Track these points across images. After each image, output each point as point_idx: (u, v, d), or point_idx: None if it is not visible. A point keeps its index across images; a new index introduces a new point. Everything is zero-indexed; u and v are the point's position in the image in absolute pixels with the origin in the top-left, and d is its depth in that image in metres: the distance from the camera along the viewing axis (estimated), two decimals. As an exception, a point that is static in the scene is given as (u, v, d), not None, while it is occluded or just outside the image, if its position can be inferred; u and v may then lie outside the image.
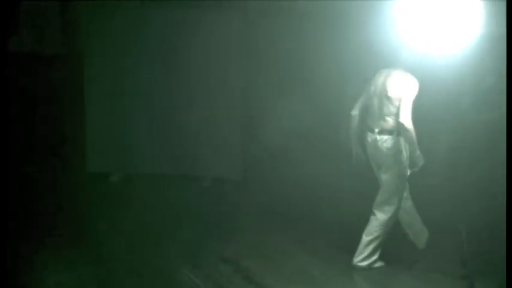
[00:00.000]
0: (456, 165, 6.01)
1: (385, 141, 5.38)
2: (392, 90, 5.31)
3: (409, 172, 5.45)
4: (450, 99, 5.99)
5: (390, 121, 5.35)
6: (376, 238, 5.48)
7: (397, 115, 5.28)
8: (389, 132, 5.37)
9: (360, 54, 6.93)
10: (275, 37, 7.47)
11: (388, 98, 5.33)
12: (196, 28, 7.16)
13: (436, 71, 5.38)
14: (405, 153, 5.40)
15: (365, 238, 5.50)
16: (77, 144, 7.51)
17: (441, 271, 5.42)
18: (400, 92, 5.29)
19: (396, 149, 5.37)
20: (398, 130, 5.33)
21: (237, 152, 7.43)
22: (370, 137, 5.48)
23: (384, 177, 5.45)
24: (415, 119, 5.32)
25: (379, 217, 5.47)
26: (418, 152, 5.36)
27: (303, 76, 7.55)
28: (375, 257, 5.52)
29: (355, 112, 5.57)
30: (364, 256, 5.51)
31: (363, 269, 5.50)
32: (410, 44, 5.33)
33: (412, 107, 5.26)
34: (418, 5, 5.23)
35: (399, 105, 5.27)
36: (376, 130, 5.41)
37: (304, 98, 7.47)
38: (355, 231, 5.61)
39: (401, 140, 5.36)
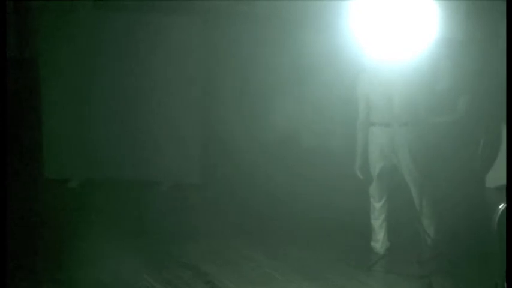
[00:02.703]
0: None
1: (402, 133, 5.41)
2: (401, 85, 5.38)
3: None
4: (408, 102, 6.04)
5: (403, 114, 5.39)
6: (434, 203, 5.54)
7: (408, 107, 5.37)
8: (404, 124, 5.41)
9: (318, 56, 6.99)
10: (235, 39, 7.48)
11: (398, 93, 5.38)
12: (156, 30, 7.13)
13: (392, 74, 5.42)
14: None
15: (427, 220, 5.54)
16: (34, 150, 7.40)
17: (400, 272, 5.46)
18: (411, 85, 5.39)
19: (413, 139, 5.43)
20: (410, 121, 5.40)
21: (196, 156, 7.41)
22: (382, 132, 5.46)
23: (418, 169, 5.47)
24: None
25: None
26: None
27: (262, 78, 7.58)
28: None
29: (360, 121, 5.57)
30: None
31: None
32: (368, 47, 5.38)
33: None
34: (375, 8, 5.28)
35: (409, 98, 5.37)
36: (391, 124, 5.43)
37: (263, 100, 7.50)
38: (318, 234, 5.62)
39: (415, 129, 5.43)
